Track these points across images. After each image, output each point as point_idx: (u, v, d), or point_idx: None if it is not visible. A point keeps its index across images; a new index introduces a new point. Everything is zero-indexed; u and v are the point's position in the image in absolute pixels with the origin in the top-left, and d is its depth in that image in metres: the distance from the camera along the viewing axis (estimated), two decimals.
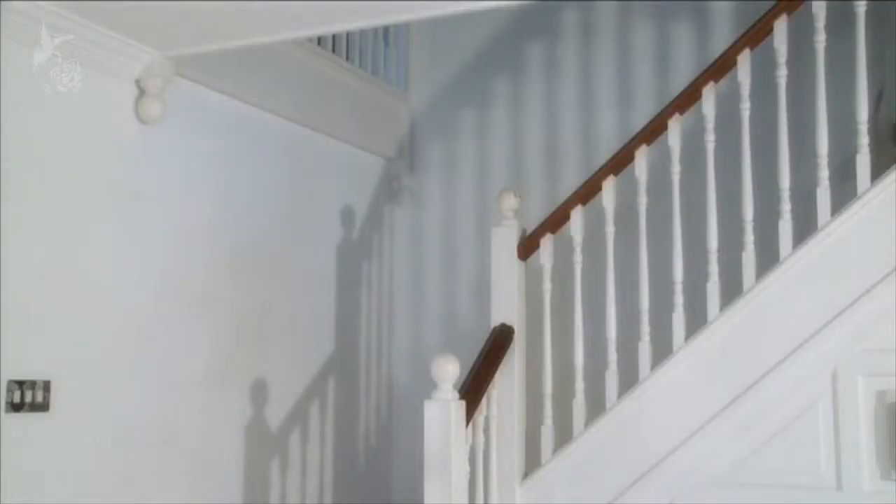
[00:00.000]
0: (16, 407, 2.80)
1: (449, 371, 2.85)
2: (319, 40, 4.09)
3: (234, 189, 3.73)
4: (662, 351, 3.12)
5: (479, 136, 4.62)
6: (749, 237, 3.00)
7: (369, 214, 4.59)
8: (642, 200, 3.19)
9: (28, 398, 2.82)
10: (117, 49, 3.13)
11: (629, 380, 3.14)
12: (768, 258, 2.99)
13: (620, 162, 3.25)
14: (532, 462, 3.26)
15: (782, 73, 3.01)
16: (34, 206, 2.93)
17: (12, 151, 2.85)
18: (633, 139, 3.23)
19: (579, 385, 3.21)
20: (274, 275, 3.93)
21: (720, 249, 3.08)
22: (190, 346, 3.47)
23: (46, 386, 2.89)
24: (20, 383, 2.82)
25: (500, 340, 3.22)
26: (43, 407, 2.88)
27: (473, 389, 3.02)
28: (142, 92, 3.25)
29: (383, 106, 4.63)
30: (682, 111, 3.15)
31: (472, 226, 4.50)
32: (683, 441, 2.98)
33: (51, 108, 2.97)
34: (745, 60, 3.05)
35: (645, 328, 3.14)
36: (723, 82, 3.14)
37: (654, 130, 3.19)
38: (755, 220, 3.03)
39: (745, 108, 3.05)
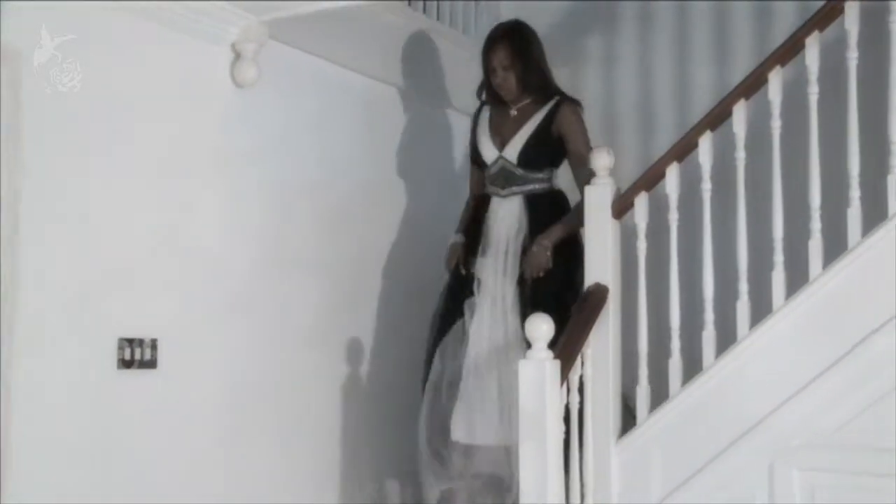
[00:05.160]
0: (126, 364, 2.92)
1: (543, 330, 2.85)
2: (410, 1, 4.08)
3: (329, 150, 3.78)
4: (761, 310, 3.05)
5: (571, 93, 4.55)
6: (855, 192, 2.90)
7: (461, 174, 4.58)
8: (740, 156, 3.11)
9: (137, 355, 2.94)
10: (214, 14, 3.19)
11: (726, 340, 3.09)
12: (874, 214, 2.90)
13: (717, 117, 3.16)
14: (627, 422, 3.24)
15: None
16: (143, 172, 3.03)
17: (122, 122, 2.95)
18: (730, 93, 3.14)
19: (675, 345, 3.17)
20: (368, 234, 3.98)
21: (823, 206, 2.99)
22: (288, 306, 3.55)
23: (154, 344, 3.00)
24: (130, 341, 2.94)
25: (594, 300, 3.20)
26: (151, 364, 2.99)
27: (568, 349, 3.01)
28: (237, 56, 3.31)
29: (473, 66, 4.60)
30: (783, 63, 3.05)
31: (563, 185, 4.46)
32: (784, 402, 2.92)
33: (154, 77, 3.05)
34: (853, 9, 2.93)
35: (743, 287, 3.08)
36: (828, 32, 3.02)
37: (752, 84, 3.10)
38: (861, 174, 2.92)
39: (853, 57, 2.93)
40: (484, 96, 3.74)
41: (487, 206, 3.62)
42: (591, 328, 3.15)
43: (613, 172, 3.32)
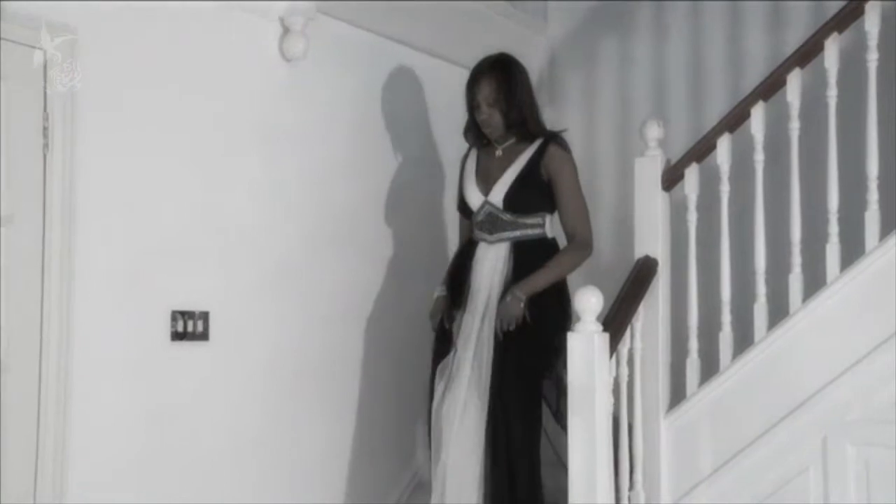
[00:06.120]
0: (179, 336, 2.97)
1: (592, 303, 2.82)
2: None
3: (374, 124, 3.78)
4: (814, 283, 3.01)
5: (620, 64, 4.51)
6: None
7: None
8: (794, 126, 3.05)
9: (190, 328, 2.99)
10: None
11: (778, 313, 3.05)
12: None
13: (771, 87, 3.10)
14: (677, 395, 3.22)
15: None
16: (192, 147, 3.06)
17: (172, 98, 2.99)
18: (785, 62, 3.08)
19: (726, 318, 3.13)
20: (412, 210, 3.98)
21: (880, 176, 2.92)
22: (330, 281, 3.56)
23: (205, 317, 3.05)
24: (182, 314, 2.98)
25: (643, 273, 3.17)
26: (203, 336, 3.04)
27: (617, 321, 2.99)
28: (286, 30, 3.32)
29: (522, 38, 4.55)
30: (840, 30, 2.98)
31: (613, 157, 4.42)
32: (838, 375, 2.87)
33: (203, 52, 3.08)
34: None
35: (796, 259, 3.03)
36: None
37: (808, 52, 3.03)
38: None
39: None
40: (471, 139, 3.46)
41: (472, 253, 3.34)
42: (640, 301, 3.13)
43: (663, 144, 3.28)
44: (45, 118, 2.65)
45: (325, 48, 3.48)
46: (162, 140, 2.97)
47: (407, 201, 3.95)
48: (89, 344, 2.74)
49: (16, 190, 2.61)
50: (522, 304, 3.13)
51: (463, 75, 4.18)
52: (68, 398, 2.67)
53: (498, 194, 3.29)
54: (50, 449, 2.62)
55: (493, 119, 3.31)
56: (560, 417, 3.09)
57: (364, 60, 3.72)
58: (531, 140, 3.32)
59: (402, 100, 3.91)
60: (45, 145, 2.65)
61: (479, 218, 3.34)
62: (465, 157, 3.49)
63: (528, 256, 3.26)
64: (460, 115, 4.19)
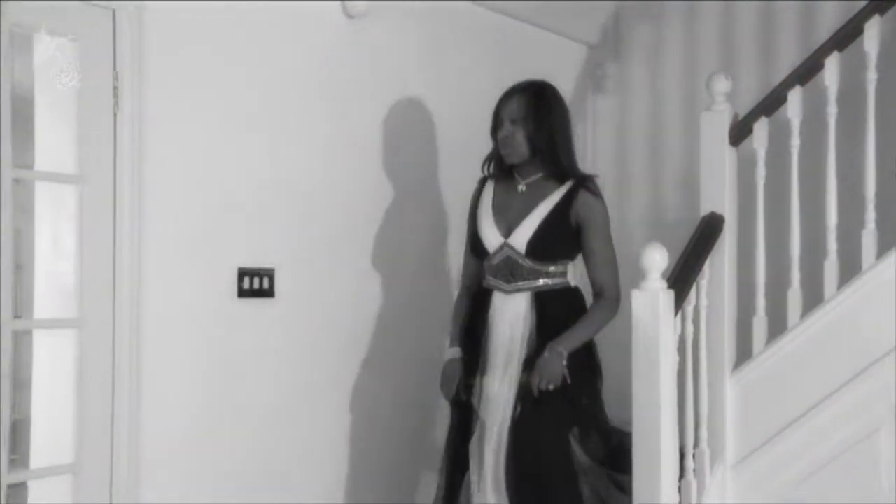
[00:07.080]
0: (245, 293, 3.02)
1: (657, 260, 2.80)
2: None
3: (439, 83, 3.75)
4: (888, 239, 2.93)
5: (688, 17, 4.40)
6: None
7: (572, 104, 4.39)
8: (871, 77, 2.96)
9: (256, 285, 3.04)
10: None
11: (850, 270, 2.99)
12: None
13: (846, 37, 3.01)
14: (743, 354, 3.18)
15: None
16: (255, 106, 3.08)
17: (235, 58, 3.01)
18: (862, 10, 2.98)
19: (795, 275, 3.08)
20: (478, 168, 3.96)
21: None
22: (395, 240, 3.57)
23: (271, 274, 3.09)
24: (248, 271, 3.03)
25: (709, 229, 3.13)
26: (269, 293, 3.08)
27: (682, 279, 2.96)
28: None
29: None
30: None
31: (680, 112, 4.34)
32: None
33: (266, 10, 3.08)
34: None
35: (870, 215, 2.95)
36: None
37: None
38: None
39: None
40: (491, 168, 3.11)
41: (488, 304, 2.99)
42: (706, 258, 3.09)
43: (731, 98, 3.22)
44: (115, 78, 2.70)
45: (387, 5, 3.46)
46: (227, 99, 3.00)
47: (474, 161, 3.93)
48: (159, 300, 2.80)
49: (87, 149, 2.67)
50: (564, 362, 2.84)
51: (528, 32, 4.14)
52: (140, 352, 2.74)
53: (520, 238, 2.94)
54: (125, 401, 2.69)
55: (514, 139, 2.95)
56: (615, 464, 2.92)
57: (428, 18, 3.68)
58: (560, 180, 2.97)
59: (467, 58, 3.87)
60: (115, 104, 2.70)
61: (495, 262, 2.98)
62: (480, 190, 3.12)
63: (553, 309, 2.94)
64: (523, 69, 4.14)
